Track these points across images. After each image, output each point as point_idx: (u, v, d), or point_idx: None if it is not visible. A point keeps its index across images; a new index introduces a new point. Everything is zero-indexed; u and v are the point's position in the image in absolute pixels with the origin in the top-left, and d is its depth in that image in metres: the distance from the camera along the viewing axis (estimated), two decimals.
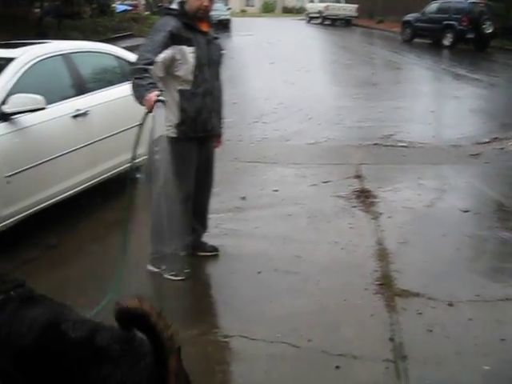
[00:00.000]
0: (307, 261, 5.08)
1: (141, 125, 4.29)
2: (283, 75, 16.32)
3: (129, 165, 5.40)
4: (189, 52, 4.55)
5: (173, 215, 4.70)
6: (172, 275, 4.81)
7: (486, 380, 3.62)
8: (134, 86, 4.38)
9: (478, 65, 18.30)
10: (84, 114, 5.98)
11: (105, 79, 6.78)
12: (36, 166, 5.37)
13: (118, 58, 7.09)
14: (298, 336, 3.98)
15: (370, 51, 23.61)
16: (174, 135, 4.66)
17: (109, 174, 6.46)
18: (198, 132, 4.76)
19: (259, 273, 4.89)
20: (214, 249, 5.28)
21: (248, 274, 4.89)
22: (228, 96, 5.28)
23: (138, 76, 4.36)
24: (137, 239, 4.88)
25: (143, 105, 4.25)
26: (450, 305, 4.34)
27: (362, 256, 5.22)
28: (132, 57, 7.19)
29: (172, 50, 4.49)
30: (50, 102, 5.53)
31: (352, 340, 3.95)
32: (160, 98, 4.19)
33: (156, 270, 4.91)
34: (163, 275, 4.84)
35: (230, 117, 5.26)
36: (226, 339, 4.00)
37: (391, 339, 3.92)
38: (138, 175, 6.39)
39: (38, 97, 5.31)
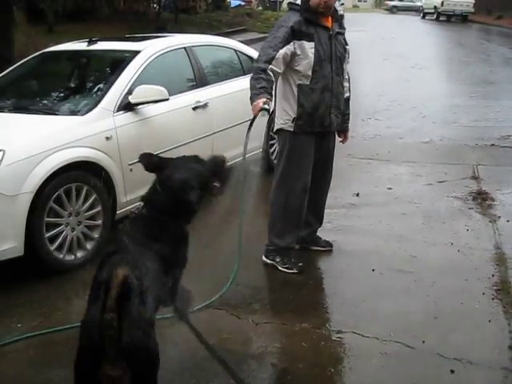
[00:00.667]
0: (422, 261, 4.99)
1: (250, 127, 4.43)
2: (397, 72, 16.09)
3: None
4: (309, 47, 4.58)
5: (289, 208, 4.81)
6: (286, 268, 4.86)
7: None
8: (250, 86, 4.52)
9: None
10: (204, 106, 6.15)
11: (225, 72, 6.96)
12: (158, 155, 5.54)
13: (237, 51, 7.23)
14: (412, 336, 3.92)
15: (488, 48, 22.84)
16: (291, 129, 4.73)
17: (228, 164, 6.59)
18: (316, 127, 4.75)
19: (373, 270, 4.85)
20: (329, 244, 5.29)
21: (361, 270, 4.86)
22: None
23: (255, 77, 4.49)
24: (253, 230, 4.97)
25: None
26: None
27: (479, 259, 5.07)
28: (250, 51, 7.33)
29: (293, 45, 4.54)
30: (172, 93, 5.71)
31: (468, 345, 3.84)
32: (265, 106, 4.34)
33: (270, 261, 4.97)
34: (277, 267, 4.90)
35: None
36: (338, 334, 3.99)
37: (510, 347, 3.80)
38: (252, 168, 6.50)
39: (162, 88, 5.50)
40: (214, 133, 6.26)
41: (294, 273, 4.84)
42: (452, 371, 3.55)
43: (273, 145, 7.24)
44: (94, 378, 2.42)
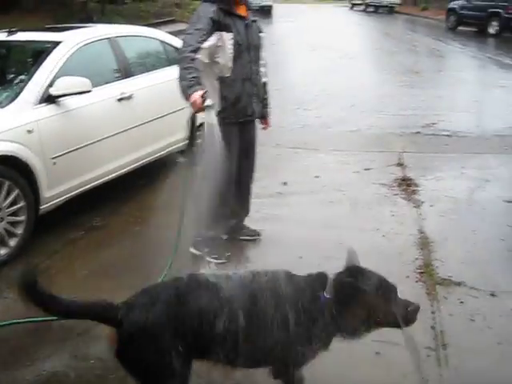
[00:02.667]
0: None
1: (191, 123, 4.50)
2: (325, 62, 16.25)
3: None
4: (228, 38, 4.55)
5: (215, 199, 4.70)
6: (213, 258, 4.81)
7: None
8: (179, 76, 4.42)
9: None
10: (129, 98, 6.06)
11: (150, 63, 6.86)
12: (81, 148, 5.47)
13: (163, 42, 7.15)
14: None
15: (414, 39, 23.34)
16: (215, 122, 4.61)
17: (152, 156, 6.55)
18: (239, 117, 4.78)
19: (300, 258, 4.89)
20: (256, 233, 5.31)
21: (289, 258, 4.86)
22: (269, 82, 5.27)
23: (184, 66, 4.39)
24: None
25: (187, 100, 4.34)
26: (493, 295, 4.29)
27: (403, 244, 5.19)
28: (177, 42, 7.26)
29: (215, 37, 4.51)
30: (95, 85, 5.61)
31: None
32: (207, 103, 4.26)
33: (198, 252, 4.94)
34: (205, 258, 4.84)
35: (272, 103, 5.24)
36: None
37: (432, 327, 3.91)
38: (180, 159, 6.47)
39: (84, 80, 5.39)
40: (140, 125, 6.17)
41: (221, 263, 4.75)
42: (377, 353, 3.64)
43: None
44: None
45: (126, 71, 6.29)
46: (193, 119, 4.53)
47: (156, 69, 6.79)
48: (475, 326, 3.96)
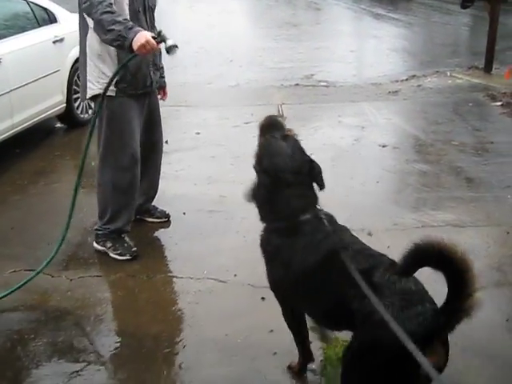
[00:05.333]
0: (231, 200, 5.09)
1: (121, 68, 3.91)
2: (204, 18, 16.08)
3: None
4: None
5: (118, 186, 4.29)
6: (117, 254, 4.36)
7: None
8: (104, 22, 3.75)
9: (397, 5, 18.41)
10: None
11: (17, 25, 6.51)
12: None
13: (29, 2, 6.81)
14: (224, 271, 4.10)
15: None
16: (112, 94, 4.07)
17: (27, 123, 6.31)
18: (139, 88, 4.22)
19: (184, 214, 4.94)
20: (165, 215, 4.89)
21: (173, 215, 4.91)
22: None
23: (104, 10, 3.73)
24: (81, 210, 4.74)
25: (127, 47, 3.73)
26: (370, 234, 4.48)
27: None
28: (44, 2, 6.98)
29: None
30: None
31: None
32: (170, 43, 3.77)
33: (101, 248, 4.43)
34: (108, 254, 4.40)
35: None
36: (152, 279, 4.08)
37: None
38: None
39: None
40: (11, 90, 5.90)
41: (126, 259, 4.34)
42: (263, 298, 3.75)
43: (77, 99, 7.02)
44: None
45: None
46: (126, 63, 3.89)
47: (25, 31, 6.48)
48: None
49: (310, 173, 2.85)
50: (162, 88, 4.69)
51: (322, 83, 9.42)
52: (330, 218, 2.86)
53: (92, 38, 4.05)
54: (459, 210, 5.04)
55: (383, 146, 6.49)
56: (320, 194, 4.73)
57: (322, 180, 2.89)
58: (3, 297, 3.76)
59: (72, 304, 3.84)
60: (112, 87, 4.03)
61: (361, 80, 9.71)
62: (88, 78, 4.16)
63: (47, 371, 3.27)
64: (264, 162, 2.82)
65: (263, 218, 2.90)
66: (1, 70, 5.82)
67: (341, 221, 4.42)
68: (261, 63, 10.93)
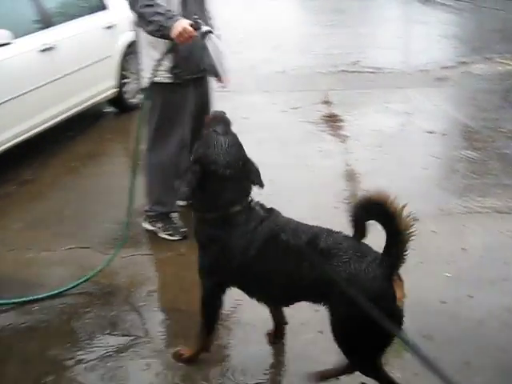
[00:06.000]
0: (279, 184, 5.07)
1: (161, 59, 4.02)
2: (250, 3, 16.10)
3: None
4: None
5: (167, 170, 4.39)
6: (168, 235, 4.51)
7: (446, 285, 3.86)
8: (145, 15, 3.87)
9: None
10: (51, 48, 5.92)
11: (71, 12, 6.65)
12: (4, 102, 5.36)
13: None
14: None
15: None
16: (168, 80, 4.16)
17: (79, 108, 6.48)
18: (193, 73, 4.23)
19: None
20: None
21: None
22: None
23: (145, 3, 3.86)
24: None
25: (167, 36, 3.83)
26: (415, 219, 4.49)
27: (331, 177, 5.40)
28: None
29: None
30: (15, 36, 5.47)
31: None
32: (205, 29, 3.86)
33: (151, 228, 4.57)
34: (158, 234, 4.56)
35: None
36: None
37: None
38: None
39: (3, 31, 5.28)
40: (65, 75, 6.07)
41: (176, 239, 4.48)
42: None
43: (125, 84, 7.20)
44: None
45: (46, 21, 6.12)
46: (167, 52, 4.00)
47: (78, 17, 6.63)
48: None
49: (245, 169, 2.93)
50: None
51: (369, 69, 9.40)
52: (262, 206, 2.94)
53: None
54: (506, 197, 5.04)
55: (430, 133, 6.48)
56: (365, 180, 4.76)
57: (258, 178, 2.99)
58: (72, 287, 3.87)
59: (123, 280, 3.99)
60: (167, 74, 4.11)
61: (408, 66, 9.65)
62: (141, 66, 4.24)
63: (100, 343, 3.40)
64: (198, 152, 2.88)
65: (195, 209, 2.98)
66: (54, 56, 5.98)
67: None
68: (307, 49, 10.93)
